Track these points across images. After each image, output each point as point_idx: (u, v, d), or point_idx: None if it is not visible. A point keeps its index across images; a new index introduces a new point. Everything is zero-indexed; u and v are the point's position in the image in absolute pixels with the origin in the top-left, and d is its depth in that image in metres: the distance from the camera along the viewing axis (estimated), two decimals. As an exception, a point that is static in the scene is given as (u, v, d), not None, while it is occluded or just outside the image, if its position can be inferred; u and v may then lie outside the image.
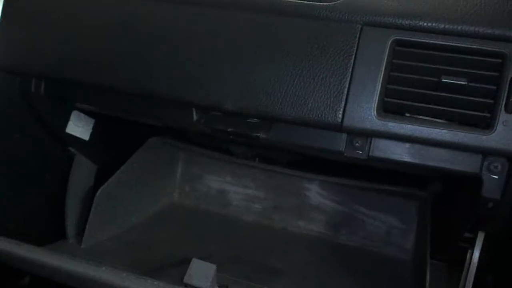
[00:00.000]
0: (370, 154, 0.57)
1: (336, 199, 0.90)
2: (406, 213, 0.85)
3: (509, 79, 0.49)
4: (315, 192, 0.91)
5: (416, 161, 0.56)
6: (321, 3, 0.54)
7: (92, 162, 0.85)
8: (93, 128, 0.83)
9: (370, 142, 0.57)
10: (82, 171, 0.83)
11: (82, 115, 0.80)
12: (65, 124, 0.78)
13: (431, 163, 0.55)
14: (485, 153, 0.51)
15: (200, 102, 0.59)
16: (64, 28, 0.64)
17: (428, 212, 0.74)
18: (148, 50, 0.60)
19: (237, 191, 0.97)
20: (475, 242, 0.63)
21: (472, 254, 0.63)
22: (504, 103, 0.49)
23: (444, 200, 0.75)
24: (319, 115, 0.54)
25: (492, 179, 0.54)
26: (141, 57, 0.60)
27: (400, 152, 0.56)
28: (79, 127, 0.80)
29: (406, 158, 0.56)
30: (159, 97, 0.60)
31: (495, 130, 0.50)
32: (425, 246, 0.68)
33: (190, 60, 0.58)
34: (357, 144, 0.57)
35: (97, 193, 0.78)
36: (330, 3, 0.54)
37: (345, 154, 0.58)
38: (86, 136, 0.82)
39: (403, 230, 0.85)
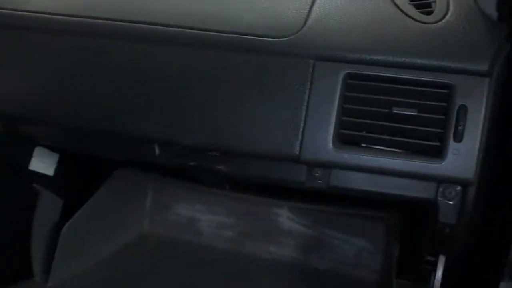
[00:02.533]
0: (330, 183, 0.58)
1: (305, 224, 0.90)
2: (375, 235, 0.86)
3: (456, 109, 0.51)
4: (285, 217, 0.92)
5: (374, 189, 0.57)
6: (275, 39, 0.56)
7: (57, 197, 0.84)
8: (58, 163, 0.82)
9: (329, 172, 0.58)
10: (48, 207, 0.82)
11: (45, 150, 0.79)
12: (28, 161, 0.78)
13: (388, 191, 0.57)
14: (438, 181, 0.53)
15: (161, 138, 0.59)
16: (22, 67, 0.64)
17: (395, 233, 0.75)
18: (108, 89, 0.60)
19: (207, 218, 0.96)
20: (437, 264, 0.64)
21: (435, 275, 0.64)
22: (453, 132, 0.51)
23: (409, 222, 0.76)
24: (278, 149, 0.55)
25: (448, 205, 0.55)
26: (102, 96, 0.60)
27: (358, 181, 0.57)
28: (43, 163, 0.79)
29: (364, 187, 0.57)
30: (121, 134, 0.61)
31: (446, 158, 0.51)
32: (391, 267, 0.69)
33: (149, 97, 0.59)
34: (316, 174, 0.58)
35: (63, 229, 0.77)
36: (283, 39, 0.55)
37: (305, 185, 0.59)
38: (50, 172, 0.81)
39: (371, 252, 0.86)
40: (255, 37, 0.56)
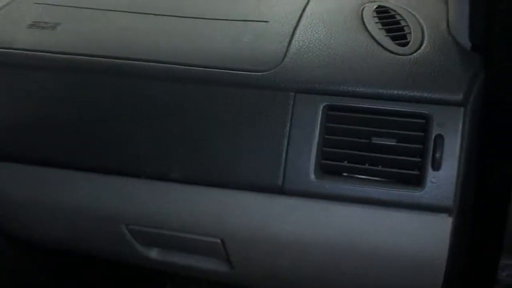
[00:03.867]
0: None
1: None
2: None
3: (433, 138, 0.52)
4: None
5: None
6: (256, 73, 0.57)
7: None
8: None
9: None
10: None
11: None
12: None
13: None
14: (418, 209, 0.53)
15: (147, 171, 0.60)
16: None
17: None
18: (90, 124, 0.61)
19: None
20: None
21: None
22: (431, 161, 0.52)
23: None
24: (261, 180, 0.56)
25: None
26: (83, 132, 0.61)
27: None
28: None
29: None
30: (103, 170, 0.61)
31: (425, 187, 0.52)
32: None
33: (133, 132, 0.60)
34: None
35: None
36: (264, 73, 0.57)
37: None
38: None
39: None
40: (236, 72, 0.57)
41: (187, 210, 0.60)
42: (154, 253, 0.70)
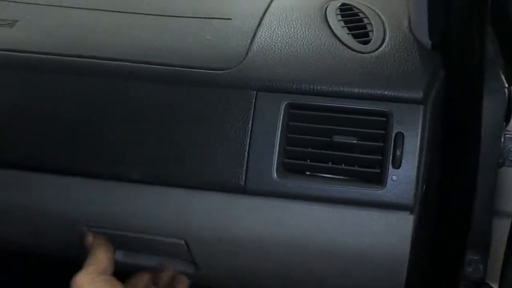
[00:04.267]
0: None
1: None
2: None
3: (393, 136, 0.52)
4: None
5: None
6: (216, 71, 0.56)
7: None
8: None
9: None
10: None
11: None
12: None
13: None
14: (380, 207, 0.54)
15: (107, 173, 0.59)
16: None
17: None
18: (51, 125, 0.60)
19: None
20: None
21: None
22: (391, 159, 0.52)
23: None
24: (223, 180, 0.55)
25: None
26: (39, 133, 0.59)
27: None
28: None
29: None
30: (64, 172, 0.60)
31: (386, 185, 0.52)
32: None
33: (91, 133, 0.58)
34: None
35: None
36: (225, 71, 0.56)
37: None
38: None
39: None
40: (196, 70, 0.56)
41: (149, 211, 0.59)
42: (119, 256, 0.68)
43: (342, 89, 0.54)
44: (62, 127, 0.60)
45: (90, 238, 0.61)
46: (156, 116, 0.57)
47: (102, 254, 0.57)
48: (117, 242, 0.65)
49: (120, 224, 0.60)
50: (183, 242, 0.60)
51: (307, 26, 0.61)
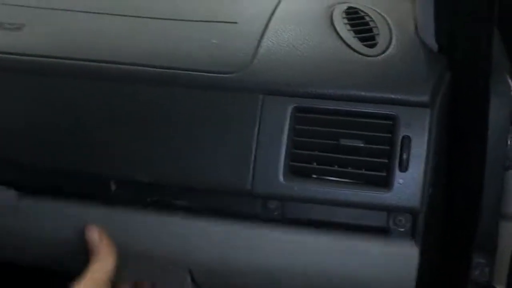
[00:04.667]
0: (285, 215, 0.58)
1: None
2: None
3: (400, 139, 0.52)
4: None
5: (328, 219, 0.58)
6: (223, 75, 0.56)
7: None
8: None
9: (283, 205, 0.58)
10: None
11: None
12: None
13: (342, 221, 0.57)
14: (387, 210, 0.54)
15: (116, 175, 0.59)
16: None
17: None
18: (61, 127, 0.60)
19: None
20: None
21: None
22: (398, 162, 0.52)
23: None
24: (230, 183, 0.55)
25: (399, 232, 0.56)
26: (43, 136, 0.60)
27: (312, 212, 0.58)
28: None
29: (318, 217, 0.58)
30: (73, 172, 0.60)
31: (393, 188, 0.52)
32: None
33: (102, 135, 0.59)
34: (271, 206, 0.58)
35: None
36: (232, 75, 0.56)
37: (261, 217, 0.59)
38: None
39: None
40: (203, 73, 0.57)
41: (152, 238, 0.59)
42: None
43: (348, 92, 0.54)
44: (67, 130, 0.60)
45: (95, 235, 0.57)
46: (162, 120, 0.57)
47: (108, 260, 0.55)
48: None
49: (125, 250, 0.60)
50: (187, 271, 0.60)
51: (313, 30, 0.61)
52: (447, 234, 0.62)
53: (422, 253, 0.55)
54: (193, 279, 0.61)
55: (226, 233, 0.57)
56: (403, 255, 0.55)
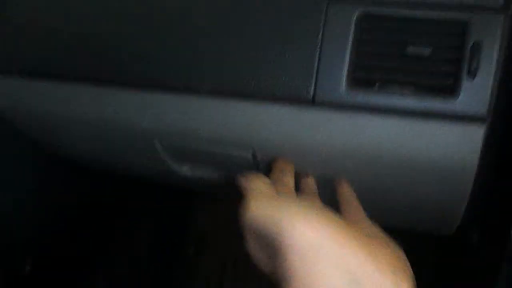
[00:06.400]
0: None
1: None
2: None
3: (470, 46, 0.51)
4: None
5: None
6: (286, -19, 0.56)
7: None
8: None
9: None
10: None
11: None
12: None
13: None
14: (453, 117, 0.53)
15: (176, 84, 0.60)
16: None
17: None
18: (114, 39, 0.61)
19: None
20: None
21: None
22: (467, 69, 0.51)
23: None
24: (292, 90, 0.56)
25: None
26: (107, 46, 0.61)
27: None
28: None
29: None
30: (134, 85, 0.62)
31: (460, 96, 0.52)
32: None
33: (160, 42, 0.60)
34: None
35: None
36: (295, -18, 0.55)
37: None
38: None
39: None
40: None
41: (218, 122, 0.60)
42: (185, 169, 0.72)
43: (416, -3, 0.52)
44: (128, 40, 0.61)
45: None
46: (223, 26, 0.57)
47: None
48: (185, 155, 0.68)
49: (190, 136, 0.63)
50: (250, 154, 0.62)
51: None
52: (508, 146, 0.61)
53: (482, 162, 0.55)
54: (256, 162, 0.63)
55: (289, 115, 0.57)
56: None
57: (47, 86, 0.67)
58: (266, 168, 0.64)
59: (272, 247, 0.43)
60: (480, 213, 0.65)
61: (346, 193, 0.59)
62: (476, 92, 0.51)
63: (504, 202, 0.65)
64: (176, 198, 1.19)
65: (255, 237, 0.47)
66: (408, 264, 0.47)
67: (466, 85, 0.52)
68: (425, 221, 0.67)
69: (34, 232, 0.94)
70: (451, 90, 0.52)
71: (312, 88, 0.55)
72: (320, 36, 0.55)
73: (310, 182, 0.62)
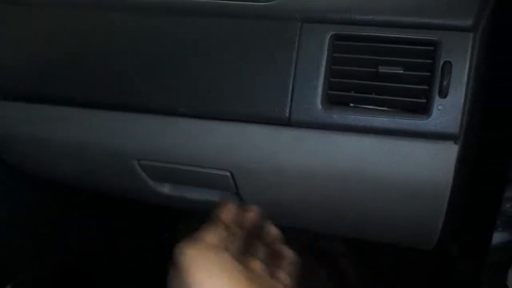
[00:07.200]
0: None
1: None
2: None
3: (441, 65, 0.52)
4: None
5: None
6: (260, 3, 0.56)
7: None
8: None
9: None
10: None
11: None
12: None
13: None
14: (425, 136, 0.54)
15: (155, 106, 0.61)
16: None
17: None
18: (95, 61, 0.61)
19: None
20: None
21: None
22: (438, 88, 0.52)
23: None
24: (268, 111, 0.56)
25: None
26: (88, 69, 0.61)
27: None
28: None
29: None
30: (113, 107, 0.62)
31: (432, 114, 0.52)
32: None
33: (140, 66, 0.60)
34: None
35: None
36: (269, 3, 0.56)
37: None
38: None
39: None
40: (240, 2, 0.56)
41: (196, 144, 0.61)
42: (165, 189, 0.72)
43: (388, 18, 0.53)
44: (109, 63, 0.61)
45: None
46: (201, 50, 0.57)
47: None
48: (165, 175, 0.68)
49: (169, 157, 0.63)
50: (228, 174, 0.62)
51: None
52: (482, 164, 0.62)
53: (456, 181, 0.56)
54: (234, 182, 0.63)
55: (265, 136, 0.58)
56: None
57: (27, 109, 0.67)
58: (245, 189, 0.64)
59: None
60: (458, 227, 0.66)
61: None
62: (448, 110, 0.52)
63: (480, 216, 0.66)
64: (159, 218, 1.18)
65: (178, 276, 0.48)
66: None
67: (438, 104, 0.52)
68: (405, 237, 0.68)
69: (15, 261, 0.93)
70: (423, 109, 0.53)
71: (288, 108, 0.56)
72: (294, 57, 0.55)
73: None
